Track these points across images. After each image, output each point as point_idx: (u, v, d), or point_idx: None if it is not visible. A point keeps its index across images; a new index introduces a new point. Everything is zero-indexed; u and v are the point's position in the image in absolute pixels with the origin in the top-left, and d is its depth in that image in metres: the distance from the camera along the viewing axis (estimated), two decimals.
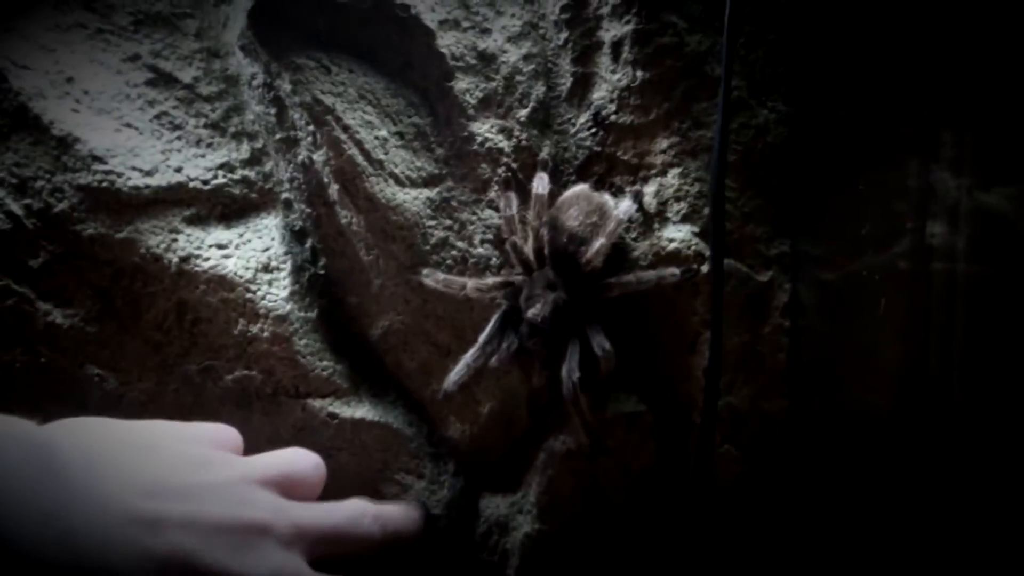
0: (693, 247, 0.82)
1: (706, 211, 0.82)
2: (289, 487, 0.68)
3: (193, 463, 0.64)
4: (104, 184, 0.80)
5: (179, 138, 0.85)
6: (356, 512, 0.70)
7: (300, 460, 0.71)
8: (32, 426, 0.57)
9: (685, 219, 0.83)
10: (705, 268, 0.81)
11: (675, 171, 0.84)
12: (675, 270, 0.80)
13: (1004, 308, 0.74)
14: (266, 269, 0.85)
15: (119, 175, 0.81)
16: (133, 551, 0.54)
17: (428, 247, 0.84)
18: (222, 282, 0.83)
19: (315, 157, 0.83)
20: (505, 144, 0.85)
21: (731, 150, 0.82)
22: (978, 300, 0.76)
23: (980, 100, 0.74)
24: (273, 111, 0.85)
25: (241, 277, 0.83)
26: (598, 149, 0.86)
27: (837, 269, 0.83)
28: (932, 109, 0.77)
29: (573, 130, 0.87)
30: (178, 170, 0.84)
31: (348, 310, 0.88)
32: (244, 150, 0.88)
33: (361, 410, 0.86)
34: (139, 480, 0.58)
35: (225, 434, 0.72)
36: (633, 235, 0.84)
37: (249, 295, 0.83)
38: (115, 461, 0.59)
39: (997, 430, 0.74)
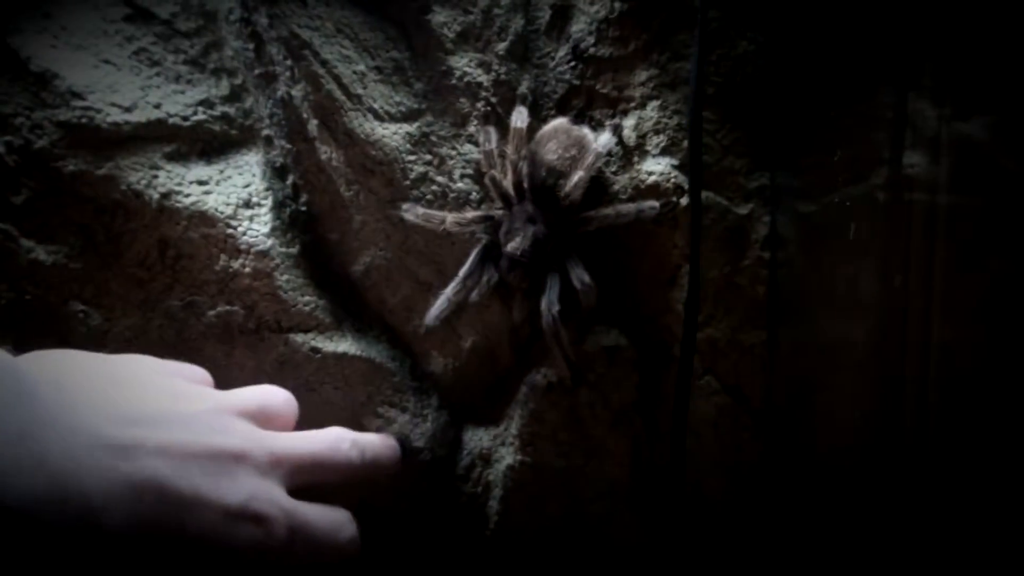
0: (672, 180, 0.82)
1: (685, 144, 0.82)
2: (264, 420, 0.68)
3: (167, 394, 0.64)
4: (83, 120, 0.80)
5: (158, 74, 0.85)
6: (335, 439, 0.71)
7: (273, 395, 0.71)
8: (2, 352, 0.57)
9: (664, 152, 0.83)
10: (685, 201, 0.82)
11: (654, 104, 0.84)
12: (654, 203, 0.81)
13: (982, 238, 0.75)
14: (247, 205, 0.85)
15: (98, 111, 0.80)
16: (107, 476, 0.54)
17: (408, 182, 0.84)
18: (203, 218, 0.82)
19: (294, 92, 0.82)
20: (484, 78, 0.84)
21: (710, 82, 0.83)
22: (956, 230, 0.76)
23: (957, 29, 0.73)
24: (251, 46, 0.84)
25: (222, 213, 0.83)
26: (577, 82, 0.86)
27: (816, 201, 0.83)
28: (910, 38, 0.76)
29: (552, 63, 0.87)
30: (157, 106, 0.83)
31: (330, 246, 0.88)
32: (224, 86, 0.87)
33: (344, 344, 0.86)
34: (112, 408, 0.58)
35: (197, 372, 0.72)
36: (612, 169, 0.84)
37: (230, 231, 0.83)
38: (87, 389, 0.59)
39: (975, 359, 0.75)
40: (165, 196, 0.82)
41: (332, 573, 0.70)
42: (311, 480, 0.69)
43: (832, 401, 0.85)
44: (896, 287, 0.79)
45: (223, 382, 0.80)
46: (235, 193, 0.84)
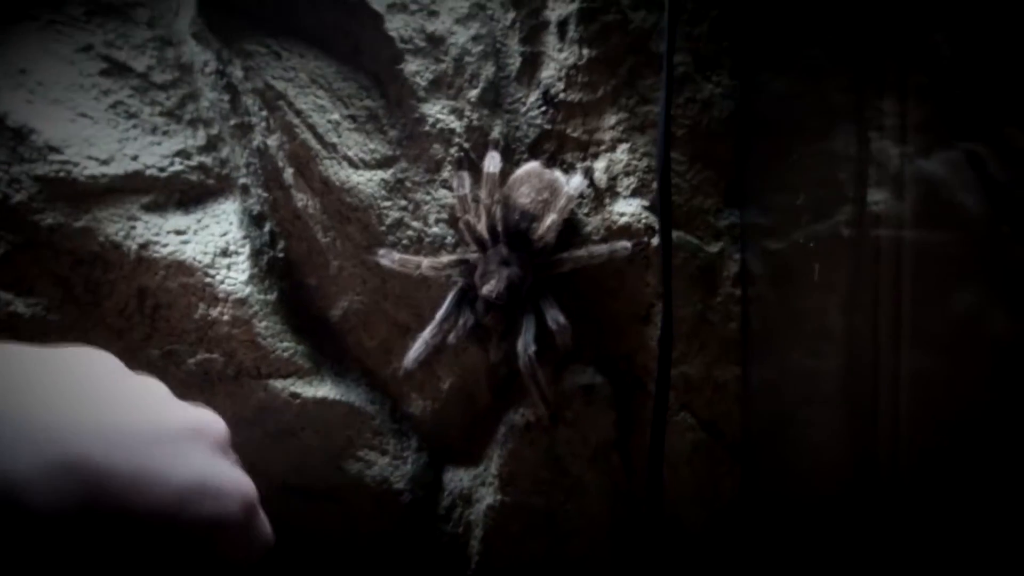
0: (643, 220, 0.84)
1: (655, 185, 0.83)
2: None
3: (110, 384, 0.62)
4: (61, 174, 0.80)
5: (135, 127, 0.85)
6: None
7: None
8: None
9: (635, 193, 0.85)
10: (656, 240, 0.83)
11: (624, 146, 0.85)
12: (626, 243, 0.82)
13: (946, 273, 0.76)
14: (225, 253, 0.85)
15: (75, 164, 0.81)
16: (32, 455, 0.52)
17: (384, 228, 0.85)
18: (181, 267, 0.83)
19: (269, 142, 0.84)
20: (456, 124, 0.86)
21: (678, 124, 0.84)
22: (921, 265, 0.77)
23: (917, 68, 0.75)
24: (227, 97, 0.85)
25: (200, 262, 0.84)
26: (548, 127, 0.87)
27: (784, 238, 0.84)
28: (872, 78, 0.78)
29: (523, 109, 0.88)
30: (134, 158, 0.84)
31: (308, 292, 0.88)
32: (200, 137, 0.88)
33: (323, 389, 0.87)
34: (42, 392, 0.56)
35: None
36: (584, 210, 0.86)
37: (208, 279, 0.84)
38: (19, 378, 0.57)
39: (944, 388, 0.76)
40: (143, 247, 0.83)
41: None
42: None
43: (806, 434, 0.85)
44: (864, 321, 0.79)
45: None
46: (213, 242, 0.85)
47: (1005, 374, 0.73)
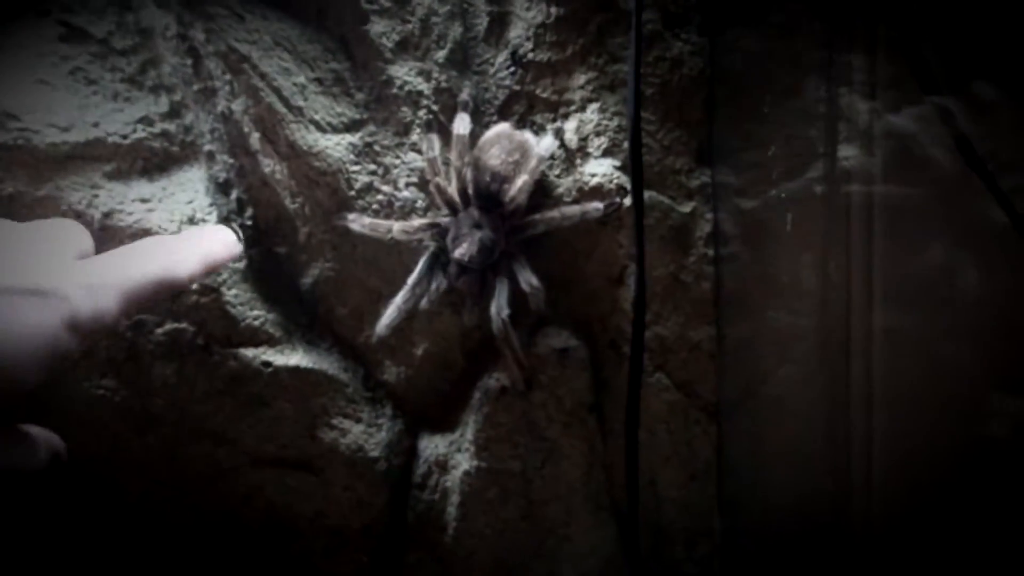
0: (615, 181, 0.83)
1: (626, 145, 0.83)
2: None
3: None
4: (20, 141, 0.79)
5: (95, 93, 0.83)
6: (168, 263, 0.67)
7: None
8: None
9: (606, 153, 0.84)
10: (628, 201, 0.82)
11: (594, 106, 0.84)
12: (598, 204, 0.81)
13: (917, 229, 0.76)
14: (191, 221, 0.83)
15: (35, 132, 0.79)
16: None
17: (353, 192, 0.84)
18: (147, 236, 0.79)
19: (234, 107, 0.82)
20: (425, 86, 0.85)
21: (647, 83, 0.84)
22: (893, 221, 0.77)
23: (886, 22, 0.75)
24: (189, 62, 0.83)
25: (166, 230, 0.82)
26: (518, 88, 0.86)
27: (756, 197, 0.85)
28: (841, 33, 0.78)
29: (492, 70, 0.87)
30: (96, 125, 0.82)
31: (277, 259, 0.87)
32: (163, 103, 0.86)
33: (295, 357, 0.86)
34: None
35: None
36: (556, 172, 0.85)
37: None
38: None
39: (917, 346, 0.76)
40: (107, 215, 0.81)
41: None
42: (151, 302, 0.68)
43: (781, 393, 0.86)
44: (838, 278, 0.80)
45: (174, 401, 0.80)
46: (178, 210, 0.83)
47: (976, 328, 0.74)
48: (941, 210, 0.75)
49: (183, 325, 0.83)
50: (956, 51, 0.72)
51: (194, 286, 0.81)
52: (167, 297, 0.70)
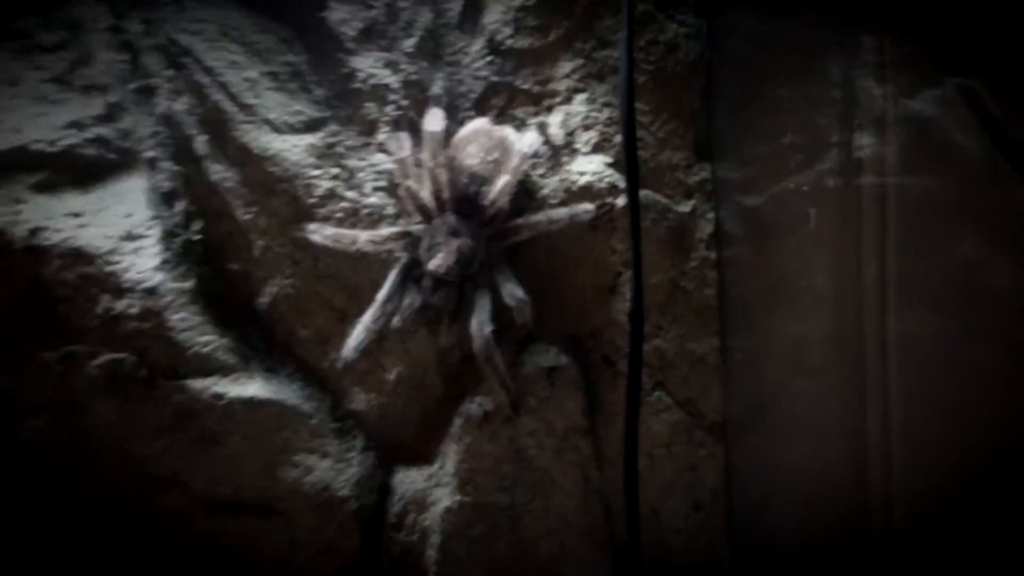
0: (606, 179, 0.80)
1: (618, 139, 0.80)
2: None
3: None
4: None
5: (16, 96, 0.79)
6: None
7: None
8: None
9: (596, 149, 0.81)
10: (621, 201, 0.79)
11: (581, 97, 0.81)
12: (589, 206, 0.78)
13: (941, 222, 0.72)
14: (130, 237, 0.79)
15: None
16: None
17: (313, 199, 0.80)
18: (79, 255, 0.76)
19: (176, 106, 0.79)
20: (392, 79, 0.81)
21: (640, 70, 0.81)
22: (914, 215, 0.73)
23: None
24: (125, 57, 0.80)
25: (101, 248, 0.77)
26: (496, 79, 0.83)
27: (762, 193, 0.81)
28: (852, 11, 0.74)
29: (467, 60, 0.83)
30: (18, 131, 0.78)
31: (230, 277, 0.83)
32: (96, 105, 0.81)
33: (252, 387, 0.81)
34: None
35: None
36: (540, 171, 0.81)
37: (111, 267, 0.77)
38: None
39: (934, 351, 0.73)
40: (33, 233, 0.77)
41: None
42: None
43: (794, 410, 0.82)
44: (854, 282, 0.76)
45: (117, 440, 0.77)
46: (116, 224, 0.79)
47: (1006, 332, 0.70)
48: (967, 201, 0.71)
49: (122, 355, 0.79)
50: (980, 25, 0.68)
51: (133, 310, 0.77)
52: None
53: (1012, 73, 0.69)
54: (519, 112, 0.83)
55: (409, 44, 0.81)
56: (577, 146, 0.81)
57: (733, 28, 0.82)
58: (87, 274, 0.77)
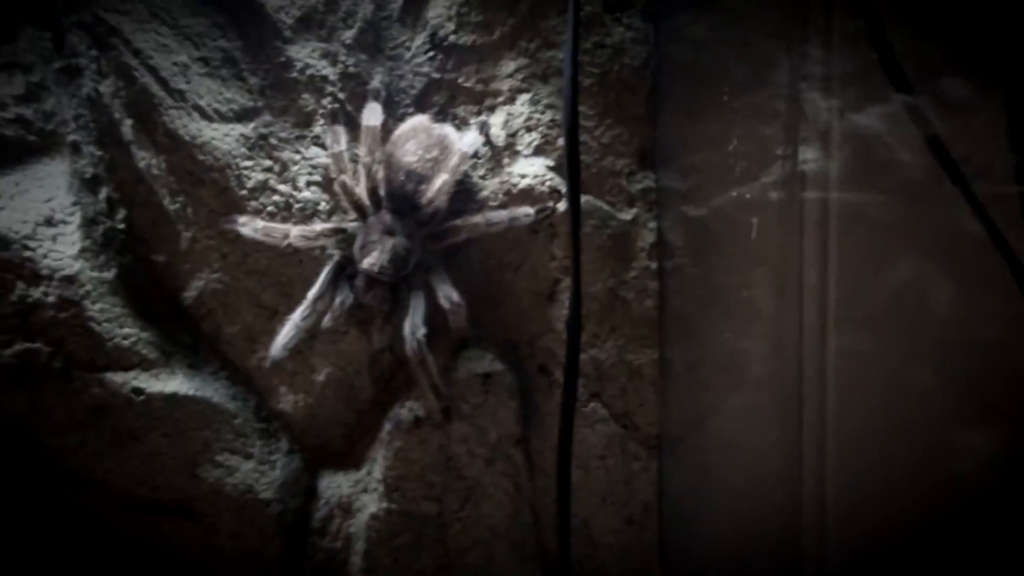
0: (548, 183, 0.78)
1: (560, 142, 0.78)
2: None
3: None
4: None
5: None
6: None
7: None
8: None
9: (538, 151, 0.79)
10: (562, 206, 0.77)
11: (524, 97, 0.80)
12: (528, 210, 0.77)
13: (883, 240, 0.73)
14: (49, 223, 0.77)
15: None
16: None
17: (244, 191, 0.78)
18: None
19: (102, 88, 0.76)
20: (330, 71, 0.80)
21: (585, 73, 0.79)
22: (855, 230, 0.74)
23: (847, 10, 0.72)
24: (47, 35, 0.78)
25: (17, 232, 0.75)
26: (437, 75, 0.81)
27: (705, 204, 0.81)
28: (798, 21, 0.75)
29: (408, 55, 0.82)
30: None
31: (155, 269, 0.81)
32: (17, 84, 0.79)
33: (173, 383, 0.80)
34: None
35: None
36: (480, 172, 0.80)
37: (28, 253, 0.75)
38: None
39: (872, 367, 0.74)
40: None
41: None
42: None
43: (731, 425, 0.82)
44: (794, 297, 0.77)
45: (27, 436, 0.75)
46: (34, 209, 0.77)
47: (944, 353, 0.72)
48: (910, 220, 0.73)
49: (36, 345, 0.76)
50: (927, 45, 0.69)
51: (50, 298, 0.74)
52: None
53: (957, 91, 0.70)
54: (460, 110, 0.82)
55: (349, 35, 0.80)
56: (519, 148, 0.80)
57: (681, 34, 0.81)
58: (2, 259, 0.74)
